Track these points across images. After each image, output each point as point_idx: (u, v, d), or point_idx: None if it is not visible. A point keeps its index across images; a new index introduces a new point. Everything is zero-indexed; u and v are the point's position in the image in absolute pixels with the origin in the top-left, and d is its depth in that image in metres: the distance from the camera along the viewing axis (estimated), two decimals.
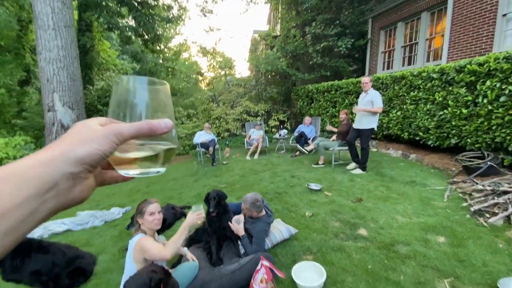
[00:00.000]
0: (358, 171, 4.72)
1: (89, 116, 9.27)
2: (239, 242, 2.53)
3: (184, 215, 3.32)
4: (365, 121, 4.56)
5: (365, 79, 4.61)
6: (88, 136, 0.28)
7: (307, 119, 6.97)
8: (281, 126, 8.86)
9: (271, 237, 2.55)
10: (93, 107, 9.61)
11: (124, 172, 0.34)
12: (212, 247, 2.39)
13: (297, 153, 6.64)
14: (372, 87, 4.65)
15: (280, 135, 7.63)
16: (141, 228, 1.89)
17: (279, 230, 2.63)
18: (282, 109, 10.54)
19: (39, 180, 0.24)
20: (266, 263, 1.90)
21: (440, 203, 3.27)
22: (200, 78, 15.95)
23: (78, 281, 2.25)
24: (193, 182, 5.25)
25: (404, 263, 2.16)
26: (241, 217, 2.41)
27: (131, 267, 1.75)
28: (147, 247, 1.69)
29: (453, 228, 2.64)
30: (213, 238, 2.42)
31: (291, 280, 2.02)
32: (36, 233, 3.32)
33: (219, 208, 2.44)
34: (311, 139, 6.64)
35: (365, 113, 4.53)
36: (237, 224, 2.32)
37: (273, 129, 9.94)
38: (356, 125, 4.75)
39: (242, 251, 2.38)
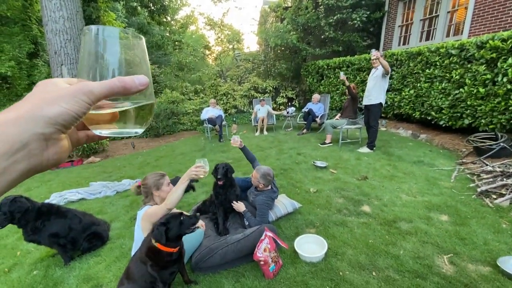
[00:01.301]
0: (366, 149, 4.69)
1: None
2: (245, 220, 2.63)
3: (192, 187, 3.43)
4: (373, 96, 4.46)
5: (376, 53, 4.33)
6: (56, 94, 0.26)
7: (315, 96, 6.83)
8: (289, 103, 8.74)
9: (275, 210, 2.63)
10: None
11: (98, 131, 0.33)
12: (219, 218, 2.49)
13: (304, 131, 6.60)
14: None
15: (287, 112, 7.54)
16: (153, 200, 1.95)
17: (283, 203, 2.70)
18: (290, 85, 10.31)
19: (6, 138, 0.23)
20: (270, 233, 1.97)
21: (446, 183, 3.26)
22: (208, 52, 15.56)
23: (95, 245, 2.42)
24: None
25: (404, 239, 2.21)
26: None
27: (139, 236, 1.85)
28: (152, 211, 1.76)
29: (457, 207, 2.65)
30: (220, 210, 2.51)
31: (293, 250, 2.11)
32: (52, 201, 3.51)
33: (226, 180, 2.51)
34: (319, 117, 6.56)
35: (374, 87, 4.44)
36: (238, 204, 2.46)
37: (281, 107, 9.82)
38: (364, 101, 4.66)
39: (247, 223, 2.47)
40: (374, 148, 4.72)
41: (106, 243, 2.49)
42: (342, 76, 4.99)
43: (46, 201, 3.52)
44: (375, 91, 4.43)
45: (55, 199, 3.54)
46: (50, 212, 2.24)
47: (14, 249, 2.52)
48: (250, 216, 2.42)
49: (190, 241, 1.98)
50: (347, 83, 5.10)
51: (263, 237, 1.93)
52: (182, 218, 1.61)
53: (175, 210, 1.84)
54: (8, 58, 11.20)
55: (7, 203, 2.01)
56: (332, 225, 2.49)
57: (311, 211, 2.77)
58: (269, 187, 2.57)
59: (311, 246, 2.15)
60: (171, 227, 1.56)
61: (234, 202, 2.50)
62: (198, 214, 1.69)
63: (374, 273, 1.85)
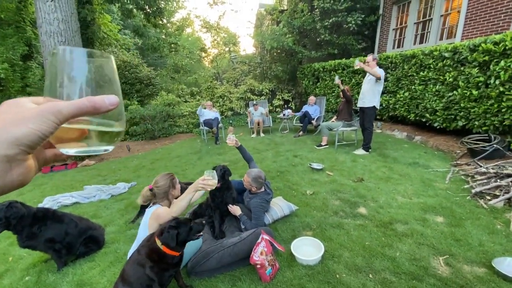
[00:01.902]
0: (361, 151, 4.71)
1: None
2: (241, 224, 2.61)
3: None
4: (367, 99, 4.51)
5: (368, 58, 4.48)
6: (22, 115, 0.26)
7: (311, 98, 6.86)
8: (286, 105, 8.76)
9: (271, 213, 2.62)
10: None
11: (65, 150, 0.32)
12: (215, 221, 2.47)
13: (301, 133, 6.61)
14: (379, 65, 4.53)
15: (284, 114, 7.56)
16: (167, 199, 2.02)
17: (280, 206, 2.69)
18: (287, 88, 10.34)
19: None
20: (266, 236, 1.96)
21: (441, 184, 3.29)
22: (204, 54, 15.57)
23: (92, 249, 2.38)
24: (197, 160, 5.31)
25: (401, 241, 2.21)
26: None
27: (143, 233, 1.87)
28: (161, 212, 1.83)
29: (452, 208, 2.67)
30: (216, 213, 2.50)
31: (290, 253, 2.09)
32: (46, 205, 3.45)
33: (223, 182, 2.50)
34: (315, 119, 6.58)
35: (368, 90, 4.49)
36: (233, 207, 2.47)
37: (277, 109, 9.84)
38: (359, 104, 4.71)
39: (243, 226, 2.45)
40: (370, 150, 4.75)
41: (102, 248, 2.46)
42: (337, 80, 5.04)
43: (39, 205, 3.47)
44: (369, 94, 4.48)
45: (48, 203, 3.48)
46: (46, 216, 2.21)
47: (6, 254, 2.47)
48: (246, 220, 2.41)
49: (189, 246, 1.97)
50: (341, 86, 5.14)
51: (259, 240, 1.92)
52: (191, 224, 1.62)
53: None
54: (1, 60, 11.07)
55: (3, 209, 1.97)
56: (329, 227, 2.49)
57: (307, 213, 2.76)
58: (263, 189, 2.56)
59: (308, 249, 2.15)
60: (181, 232, 1.57)
61: (230, 205, 2.50)
62: (204, 221, 1.69)
63: (370, 276, 1.85)
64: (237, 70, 11.55)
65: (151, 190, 2.02)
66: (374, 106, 4.47)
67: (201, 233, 1.66)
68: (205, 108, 6.95)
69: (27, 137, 0.25)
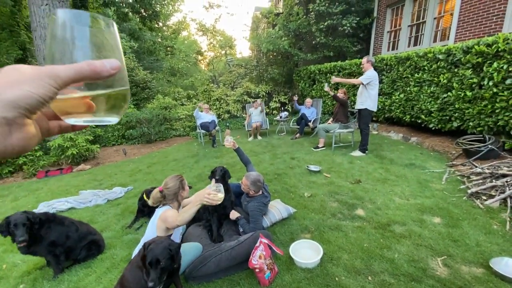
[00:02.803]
0: (358, 153, 4.73)
1: None
2: (240, 227, 2.60)
3: None
4: (361, 101, 4.58)
5: (363, 60, 4.55)
6: (18, 78, 0.25)
7: (308, 101, 6.88)
8: (282, 108, 8.78)
9: (269, 216, 2.61)
10: None
11: (71, 120, 0.31)
12: (213, 225, 2.45)
13: (297, 135, 6.63)
14: (374, 67, 4.57)
15: (281, 117, 7.57)
16: (176, 200, 2.05)
17: (278, 209, 2.69)
18: (283, 90, 10.38)
19: None
20: (264, 240, 1.95)
21: (438, 185, 3.31)
22: (200, 57, 15.58)
23: (93, 254, 2.36)
24: (194, 163, 5.29)
25: (399, 242, 2.22)
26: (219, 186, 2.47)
27: (151, 232, 1.90)
28: (170, 215, 1.85)
29: (449, 209, 2.69)
30: (214, 216, 2.48)
31: (288, 256, 2.08)
32: (41, 211, 3.40)
33: (223, 183, 2.49)
34: (311, 121, 6.60)
35: (360, 93, 4.57)
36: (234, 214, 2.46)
37: (274, 111, 9.86)
38: (356, 105, 4.77)
39: (242, 229, 2.44)
40: (367, 151, 4.77)
41: (102, 252, 2.43)
42: (326, 87, 5.10)
43: (34, 211, 3.42)
44: (363, 96, 4.54)
45: (43, 208, 3.43)
46: (48, 220, 2.19)
47: (0, 262, 2.42)
48: (245, 223, 2.40)
49: (189, 253, 1.96)
50: (331, 93, 5.18)
51: (258, 243, 1.91)
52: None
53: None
54: None
55: (20, 215, 1.99)
56: (327, 229, 2.48)
57: (305, 216, 2.76)
58: (260, 192, 2.56)
59: (306, 252, 2.14)
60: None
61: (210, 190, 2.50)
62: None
63: (370, 278, 1.84)
64: (233, 73, 11.57)
65: (161, 192, 2.03)
66: (366, 108, 4.51)
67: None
68: (202, 111, 6.93)
69: (24, 100, 0.25)
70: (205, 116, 6.85)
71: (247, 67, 11.39)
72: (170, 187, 2.02)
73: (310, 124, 6.56)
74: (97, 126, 8.56)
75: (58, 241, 2.16)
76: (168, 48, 13.74)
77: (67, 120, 0.31)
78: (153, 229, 1.93)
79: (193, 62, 16.06)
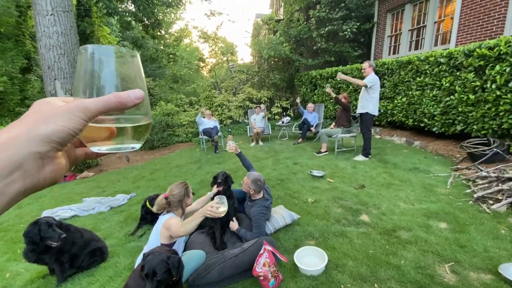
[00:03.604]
0: (361, 157, 4.71)
1: None
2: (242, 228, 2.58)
3: None
4: (362, 105, 4.59)
5: (364, 64, 4.57)
6: (51, 113, 0.27)
7: (310, 105, 6.89)
8: (284, 113, 8.79)
9: (273, 222, 2.59)
10: None
11: (96, 148, 0.33)
12: (216, 232, 2.43)
13: (300, 140, 6.62)
14: (375, 72, 4.59)
15: (283, 122, 7.58)
16: (181, 207, 2.06)
17: (281, 215, 2.66)
18: (285, 96, 10.42)
19: (1, 159, 0.23)
20: (268, 247, 1.93)
21: (443, 189, 3.27)
22: (202, 64, 15.72)
23: (96, 261, 2.35)
24: (197, 169, 5.29)
25: (405, 248, 2.18)
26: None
27: (154, 240, 1.89)
28: (174, 223, 1.84)
29: (455, 214, 2.65)
30: (217, 223, 2.46)
31: (293, 264, 2.06)
32: None
33: (226, 189, 2.49)
34: (314, 126, 6.60)
35: (362, 97, 4.58)
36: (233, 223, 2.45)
37: (275, 116, 9.88)
38: (357, 110, 4.77)
39: (244, 238, 2.42)
40: (370, 156, 4.75)
41: (105, 260, 2.42)
42: (327, 88, 5.10)
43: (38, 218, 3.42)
44: (364, 100, 4.55)
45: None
46: (59, 227, 2.19)
47: (3, 270, 2.41)
48: (245, 232, 2.38)
49: (192, 261, 1.95)
50: (333, 95, 5.19)
51: (262, 251, 1.89)
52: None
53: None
54: (0, 73, 11.14)
55: (48, 219, 2.07)
56: (332, 236, 2.45)
57: (309, 222, 2.73)
58: (261, 195, 2.53)
59: (311, 259, 2.11)
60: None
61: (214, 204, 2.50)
62: None
63: (376, 285, 1.81)
64: (235, 79, 11.64)
65: (166, 198, 2.02)
66: (368, 113, 4.51)
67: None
68: (204, 117, 6.96)
69: (56, 134, 0.26)
70: (207, 122, 6.87)
71: (248, 73, 11.46)
72: (175, 194, 2.02)
73: (312, 129, 6.56)
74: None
75: (65, 248, 2.16)
76: (171, 56, 13.90)
77: (92, 148, 0.33)
78: (156, 237, 1.92)
79: (195, 69, 16.21)
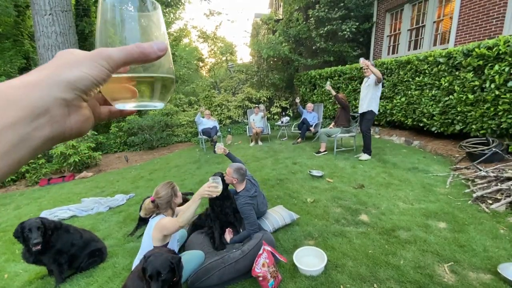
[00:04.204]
0: (366, 156, 4.71)
1: None
2: (240, 229, 2.57)
3: (187, 201, 3.37)
4: (366, 104, 4.57)
5: (365, 62, 4.47)
6: (75, 60, 0.26)
7: (309, 105, 6.89)
8: (283, 113, 8.79)
9: (272, 222, 2.58)
10: None
11: (120, 105, 0.32)
12: (215, 232, 2.43)
13: (299, 140, 6.62)
14: None
15: (282, 122, 7.58)
16: (170, 208, 2.01)
17: (281, 215, 2.66)
18: (284, 95, 10.42)
19: (28, 102, 0.22)
20: (268, 247, 1.93)
21: (442, 189, 3.27)
22: (201, 64, 15.70)
23: (95, 261, 2.34)
24: (196, 169, 5.28)
25: (404, 248, 2.18)
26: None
27: (147, 243, 1.85)
28: (166, 223, 1.81)
29: (455, 214, 2.65)
30: (216, 224, 2.45)
31: (292, 264, 2.05)
32: None
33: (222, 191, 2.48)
34: (313, 125, 6.59)
35: (367, 96, 4.53)
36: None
37: (275, 116, 9.88)
38: (359, 109, 4.75)
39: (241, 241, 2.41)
40: (371, 153, 4.75)
41: (104, 260, 2.41)
42: (327, 86, 5.10)
43: None
44: (368, 99, 4.53)
45: (45, 216, 3.42)
46: (56, 227, 2.18)
47: (1, 271, 2.40)
48: (239, 235, 2.37)
49: (192, 261, 1.94)
50: (333, 92, 5.19)
51: (261, 251, 1.88)
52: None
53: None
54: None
55: (35, 220, 2.02)
56: (331, 236, 2.45)
57: (309, 222, 2.73)
58: (243, 186, 2.49)
59: (310, 259, 2.11)
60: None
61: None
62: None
63: (375, 285, 1.81)
64: (234, 79, 11.63)
65: (153, 201, 1.97)
66: (372, 111, 4.51)
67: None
68: (203, 117, 6.96)
69: (80, 81, 0.25)
70: (207, 122, 6.86)
71: (248, 72, 11.45)
72: (162, 195, 1.95)
73: (312, 128, 6.56)
74: (101, 132, 8.62)
75: (64, 249, 2.15)
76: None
77: (117, 105, 0.32)
78: (149, 241, 1.87)
79: (194, 69, 16.20)
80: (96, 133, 7.70)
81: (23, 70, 12.08)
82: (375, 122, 6.64)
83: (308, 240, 2.44)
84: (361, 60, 4.48)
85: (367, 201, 3.09)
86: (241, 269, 1.92)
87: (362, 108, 4.63)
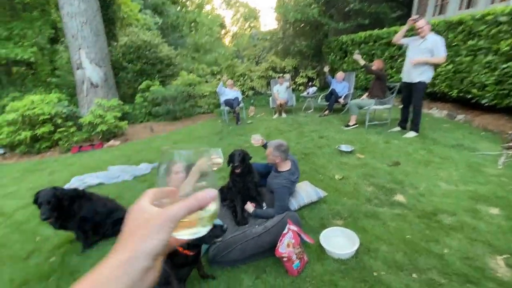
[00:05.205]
0: (412, 134, 4.16)
1: (115, 74, 9.29)
2: (263, 204, 2.44)
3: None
4: (417, 73, 3.85)
5: (421, 22, 3.74)
6: (147, 225, 0.31)
7: (339, 74, 6.33)
8: (310, 83, 8.27)
9: (298, 198, 2.42)
10: (119, 64, 9.57)
11: (178, 236, 0.35)
12: (237, 207, 2.33)
13: (326, 112, 6.21)
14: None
15: (308, 93, 7.13)
16: None
17: (307, 191, 2.48)
18: (311, 64, 9.74)
19: (127, 278, 0.28)
20: (293, 227, 1.78)
21: (493, 170, 2.87)
22: (224, 32, 15.07)
23: (120, 230, 2.37)
24: (218, 141, 5.19)
25: (448, 235, 1.93)
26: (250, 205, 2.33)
27: None
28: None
29: (509, 198, 2.30)
30: (238, 198, 2.35)
31: (319, 245, 1.90)
32: (73, 185, 3.53)
33: (243, 167, 2.33)
34: (342, 97, 6.11)
35: (419, 63, 3.80)
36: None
37: (300, 87, 9.37)
38: (405, 78, 4.10)
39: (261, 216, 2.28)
40: (419, 130, 4.23)
41: None
42: (356, 55, 4.58)
43: (67, 185, 3.55)
44: (421, 66, 3.79)
45: (75, 183, 3.56)
46: (78, 196, 2.21)
47: (34, 234, 2.52)
48: (263, 210, 2.25)
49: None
50: (361, 62, 4.65)
51: (285, 230, 1.74)
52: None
53: None
54: (30, 44, 11.45)
55: (48, 192, 2.00)
56: (362, 216, 2.25)
57: (337, 200, 2.53)
58: (289, 167, 2.32)
59: (339, 241, 1.94)
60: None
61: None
62: (225, 227, 1.48)
63: (414, 275, 1.61)
64: (258, 47, 11.05)
65: None
66: (424, 82, 3.86)
67: (220, 238, 1.50)
68: (226, 87, 6.71)
69: (157, 248, 0.30)
70: (229, 92, 6.63)
71: (272, 39, 10.78)
72: None
73: (341, 100, 6.08)
74: (128, 102, 8.79)
75: (87, 216, 2.17)
76: (192, 24, 13.39)
77: (176, 235, 0.34)
78: None
79: (216, 37, 15.65)
80: (122, 103, 7.81)
81: (52, 40, 12.36)
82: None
83: (336, 219, 2.26)
84: (417, 19, 3.77)
85: (404, 180, 2.80)
86: (264, 244, 1.81)
87: (411, 77, 3.93)
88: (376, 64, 4.75)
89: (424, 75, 3.84)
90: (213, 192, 0.34)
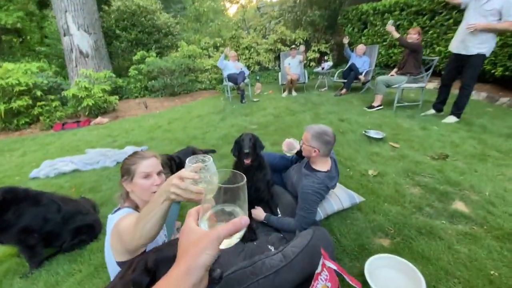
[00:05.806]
0: (453, 118, 3.44)
1: (108, 43, 8.40)
2: (278, 210, 1.81)
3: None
4: (477, 42, 3.01)
5: None
6: (198, 243, 0.40)
7: (360, 47, 5.48)
8: (324, 58, 7.38)
9: (325, 205, 1.77)
10: (111, 32, 8.64)
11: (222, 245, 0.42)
12: None
13: (343, 91, 5.43)
14: None
15: (323, 68, 6.29)
16: (131, 199, 1.20)
17: (336, 195, 1.83)
18: (324, 37, 8.75)
19: (188, 285, 0.38)
20: (330, 264, 1.14)
21: None
22: (229, 5, 13.79)
23: (84, 241, 1.77)
24: (220, 121, 4.51)
25: None
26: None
27: (108, 256, 1.14)
28: (125, 227, 0.96)
29: None
30: None
31: (363, 279, 1.28)
32: (42, 171, 2.91)
33: (253, 159, 1.70)
34: (363, 73, 5.31)
35: (481, 32, 2.94)
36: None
37: (311, 63, 8.47)
38: (457, 48, 3.24)
39: (277, 227, 1.66)
40: (460, 116, 3.47)
41: (97, 238, 1.84)
42: (389, 26, 3.78)
43: (35, 170, 2.94)
44: (481, 36, 2.96)
45: (45, 168, 2.95)
46: (17, 198, 1.55)
47: None
48: (280, 219, 1.62)
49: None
50: (395, 34, 3.84)
51: (319, 269, 1.11)
52: None
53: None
54: (17, 8, 10.45)
55: None
56: (415, 234, 1.61)
57: (376, 206, 1.89)
58: (328, 167, 1.64)
59: (389, 273, 1.32)
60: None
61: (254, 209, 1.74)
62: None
63: None
64: (265, 17, 9.97)
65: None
66: (483, 55, 3.07)
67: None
68: (228, 60, 5.89)
69: (208, 261, 0.39)
70: (232, 66, 5.83)
71: (282, 7, 9.67)
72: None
73: (361, 77, 5.28)
74: (122, 75, 8.01)
75: (32, 226, 1.55)
76: None
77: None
78: (109, 253, 1.13)
79: (220, 10, 14.42)
80: (114, 76, 7.04)
81: (41, 5, 11.28)
82: (441, 72, 5.18)
83: (379, 237, 1.63)
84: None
85: (460, 180, 2.13)
86: (284, 284, 1.19)
87: (467, 48, 3.10)
88: (413, 33, 3.91)
89: (485, 46, 3.02)
90: (246, 220, 0.41)
